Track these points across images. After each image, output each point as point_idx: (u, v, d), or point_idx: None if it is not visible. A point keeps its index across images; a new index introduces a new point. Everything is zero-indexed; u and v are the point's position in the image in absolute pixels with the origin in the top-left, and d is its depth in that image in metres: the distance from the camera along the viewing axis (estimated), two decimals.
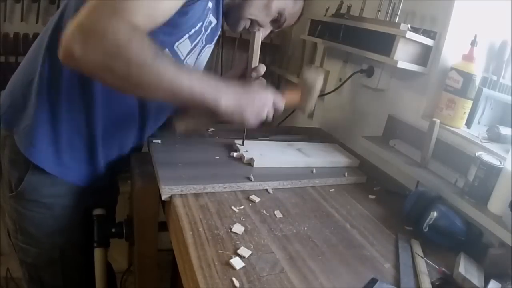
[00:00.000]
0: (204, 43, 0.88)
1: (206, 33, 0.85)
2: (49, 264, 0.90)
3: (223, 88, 0.71)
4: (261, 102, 0.78)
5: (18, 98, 0.81)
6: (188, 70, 0.70)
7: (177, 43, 0.79)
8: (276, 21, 0.92)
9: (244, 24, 0.90)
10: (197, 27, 0.80)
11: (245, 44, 1.83)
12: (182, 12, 0.70)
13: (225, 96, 0.70)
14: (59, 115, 0.79)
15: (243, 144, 0.98)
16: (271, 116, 0.81)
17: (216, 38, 0.92)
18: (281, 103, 0.83)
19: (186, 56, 0.84)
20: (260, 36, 0.87)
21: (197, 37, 0.83)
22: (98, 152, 0.86)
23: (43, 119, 0.78)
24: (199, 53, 0.90)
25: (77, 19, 0.58)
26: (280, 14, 0.90)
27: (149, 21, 0.63)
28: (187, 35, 0.79)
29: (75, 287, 0.95)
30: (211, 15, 0.82)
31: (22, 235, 0.87)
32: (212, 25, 0.85)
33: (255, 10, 0.88)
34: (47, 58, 0.77)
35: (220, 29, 0.92)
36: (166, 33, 0.74)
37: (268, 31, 0.94)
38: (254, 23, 0.90)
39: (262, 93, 0.79)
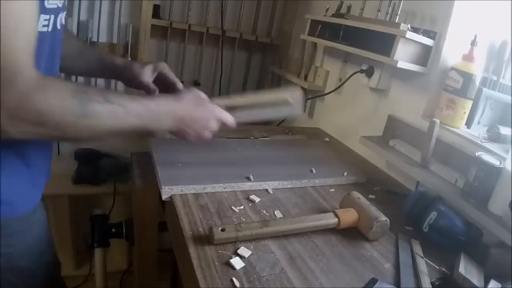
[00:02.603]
0: None
1: None
2: None
3: (164, 115, 0.67)
4: (204, 123, 0.73)
5: None
6: (122, 103, 0.59)
7: None
8: None
9: None
10: None
11: (245, 44, 1.84)
12: None
13: (167, 122, 0.68)
14: None
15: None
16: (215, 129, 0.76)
17: None
18: (230, 118, 0.77)
19: None
20: None
21: None
22: None
23: None
24: None
25: None
26: None
27: (31, 46, 0.52)
28: None
29: None
30: None
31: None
32: None
33: None
34: None
35: None
36: None
37: None
38: None
39: (205, 112, 0.74)
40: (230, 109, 0.81)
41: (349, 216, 0.74)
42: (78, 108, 0.54)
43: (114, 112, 0.58)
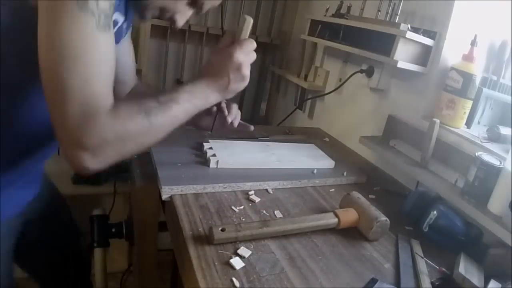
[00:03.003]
0: None
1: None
2: None
3: (205, 89, 0.69)
4: (237, 68, 0.70)
5: None
6: (174, 100, 0.64)
7: None
8: (194, 3, 0.72)
9: (152, 12, 0.72)
10: None
11: None
12: None
13: (212, 92, 0.70)
14: None
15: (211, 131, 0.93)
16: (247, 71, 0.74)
17: (123, 36, 0.79)
18: (251, 51, 0.73)
19: None
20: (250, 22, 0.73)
21: None
22: None
23: None
24: None
25: (61, 135, 0.53)
26: None
27: (110, 86, 0.57)
28: None
29: None
30: (116, 12, 0.64)
31: None
32: (119, 24, 0.69)
33: None
34: None
35: (131, 26, 0.80)
36: None
37: (187, 16, 0.75)
38: (163, 10, 0.72)
39: (233, 59, 0.70)
40: None
41: (349, 216, 0.74)
42: (144, 119, 0.59)
43: (170, 107, 0.63)
